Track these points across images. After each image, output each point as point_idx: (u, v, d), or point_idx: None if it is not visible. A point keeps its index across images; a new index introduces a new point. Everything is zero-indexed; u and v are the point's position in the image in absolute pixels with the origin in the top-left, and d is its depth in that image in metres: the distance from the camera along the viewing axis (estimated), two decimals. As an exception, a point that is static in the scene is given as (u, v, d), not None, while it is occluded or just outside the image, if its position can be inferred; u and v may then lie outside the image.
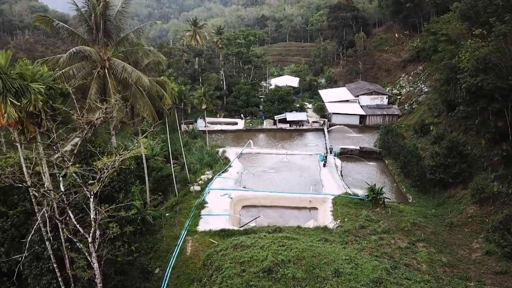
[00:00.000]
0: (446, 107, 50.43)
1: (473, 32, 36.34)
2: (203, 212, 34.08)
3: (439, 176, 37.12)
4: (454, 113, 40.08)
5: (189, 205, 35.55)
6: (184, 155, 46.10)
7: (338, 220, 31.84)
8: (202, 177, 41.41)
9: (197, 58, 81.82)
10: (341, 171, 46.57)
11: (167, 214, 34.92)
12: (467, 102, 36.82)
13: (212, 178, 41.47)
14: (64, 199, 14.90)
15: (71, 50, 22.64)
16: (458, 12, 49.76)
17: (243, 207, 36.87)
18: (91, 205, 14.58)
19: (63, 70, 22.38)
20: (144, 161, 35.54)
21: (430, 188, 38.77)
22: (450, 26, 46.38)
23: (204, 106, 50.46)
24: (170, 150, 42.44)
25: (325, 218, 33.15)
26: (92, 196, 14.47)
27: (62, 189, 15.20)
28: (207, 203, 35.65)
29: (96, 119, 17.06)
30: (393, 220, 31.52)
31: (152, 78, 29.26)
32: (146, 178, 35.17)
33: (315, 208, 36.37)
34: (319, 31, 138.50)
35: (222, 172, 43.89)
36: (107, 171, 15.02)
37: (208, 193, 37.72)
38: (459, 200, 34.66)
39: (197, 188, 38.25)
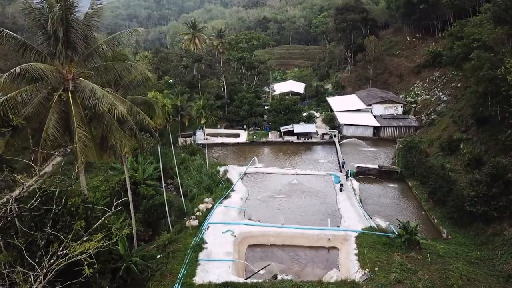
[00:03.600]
0: (476, 121, 44.77)
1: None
2: (201, 255, 28.21)
3: (481, 208, 31.28)
4: (505, 137, 34.32)
5: (184, 245, 29.66)
6: (179, 179, 40.29)
7: (367, 270, 25.95)
8: (201, 206, 35.53)
9: (196, 64, 76.05)
10: (359, 195, 40.77)
11: (158, 256, 29.06)
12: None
13: (212, 208, 35.61)
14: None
15: (14, 69, 16.71)
16: (489, 14, 44.16)
17: (249, 246, 30.98)
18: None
19: (7, 96, 16.63)
20: (129, 188, 29.58)
21: (469, 222, 32.91)
22: (483, 31, 40.56)
23: (203, 121, 44.66)
24: (162, 175, 36.53)
25: (350, 264, 27.27)
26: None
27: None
28: (206, 243, 29.75)
29: (18, 195, 11.26)
30: (434, 270, 25.65)
31: (137, 97, 23.52)
32: (132, 212, 29.18)
33: (335, 248, 30.49)
34: (324, 34, 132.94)
35: (224, 198, 38.05)
36: None
37: (207, 228, 31.86)
38: (510, 241, 28.79)
39: (194, 222, 32.37)
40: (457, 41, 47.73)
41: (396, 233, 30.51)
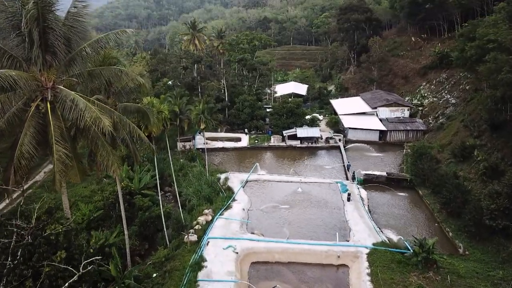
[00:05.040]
0: (489, 127, 42.51)
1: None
2: (200, 275, 26.00)
3: (502, 223, 29.05)
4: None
5: (182, 263, 27.45)
6: (178, 187, 38.12)
7: (382, 293, 23.77)
8: (200, 219, 33.32)
9: (195, 65, 73.84)
10: (368, 205, 38.58)
11: (154, 275, 26.85)
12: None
13: (212, 220, 33.39)
14: None
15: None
16: (504, 14, 42.00)
17: (252, 264, 28.72)
18: None
19: (-26, 108, 14.47)
20: (121, 202, 27.30)
21: (488, 237, 30.67)
22: (499, 31, 38.35)
23: (203, 126, 42.49)
24: (159, 183, 34.29)
25: (362, 286, 25.05)
26: None
27: None
28: (205, 260, 27.54)
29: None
30: (456, 293, 23.48)
31: (129, 104, 21.31)
32: (125, 227, 26.86)
33: (345, 266, 28.26)
34: (326, 34, 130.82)
35: (224, 209, 35.84)
36: None
37: (207, 244, 29.64)
38: (535, 259, 26.60)
39: (193, 237, 30.14)
40: (469, 42, 45.47)
41: (411, 249, 28.39)
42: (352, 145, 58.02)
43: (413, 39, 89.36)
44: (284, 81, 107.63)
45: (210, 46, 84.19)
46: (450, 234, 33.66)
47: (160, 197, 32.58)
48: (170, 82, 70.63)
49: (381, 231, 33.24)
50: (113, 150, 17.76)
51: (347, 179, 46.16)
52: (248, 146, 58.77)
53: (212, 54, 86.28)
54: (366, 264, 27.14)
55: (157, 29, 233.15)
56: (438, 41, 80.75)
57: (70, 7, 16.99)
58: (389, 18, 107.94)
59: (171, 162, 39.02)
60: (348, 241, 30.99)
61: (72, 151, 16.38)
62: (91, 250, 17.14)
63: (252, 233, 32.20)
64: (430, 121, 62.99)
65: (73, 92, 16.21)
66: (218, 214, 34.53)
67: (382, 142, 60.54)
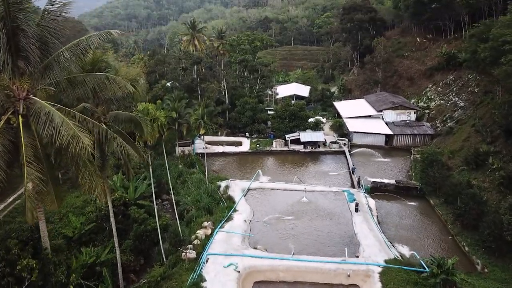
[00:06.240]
0: (504, 132, 40.36)
1: None
2: (199, 298, 23.90)
3: (525, 239, 26.94)
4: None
5: (179, 283, 25.29)
6: (176, 196, 35.99)
7: (398, 320, 21.64)
8: (199, 232, 31.15)
9: (195, 66, 71.66)
10: (377, 216, 36.47)
11: (149, 296, 24.76)
12: None
13: (211, 234, 31.25)
14: None
15: None
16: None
17: (255, 283, 26.59)
18: None
19: None
20: (112, 218, 25.10)
21: (509, 253, 28.54)
22: (516, 32, 36.21)
23: (202, 131, 40.38)
24: (155, 193, 32.15)
25: (376, 310, 22.94)
26: None
27: None
28: (204, 280, 25.39)
29: None
30: (480, 321, 21.35)
31: (121, 113, 19.20)
32: (116, 244, 24.62)
33: (356, 286, 26.14)
34: (328, 34, 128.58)
35: (225, 221, 33.70)
36: None
37: (207, 261, 27.50)
38: None
39: (191, 254, 27.97)
40: (481, 43, 43.30)
41: (425, 266, 26.35)
42: (358, 150, 55.84)
43: (418, 39, 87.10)
44: (285, 82, 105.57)
45: (210, 47, 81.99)
46: (466, 248, 31.52)
47: (156, 209, 30.36)
48: (168, 84, 68.43)
49: (393, 245, 31.17)
50: (97, 171, 15.57)
51: (353, 186, 44.13)
52: (250, 151, 56.68)
53: (212, 55, 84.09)
54: (379, 285, 25.02)
55: (156, 29, 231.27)
56: (444, 42, 78.54)
57: (46, 5, 14.80)
58: (391, 18, 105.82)
59: (167, 170, 36.88)
60: (357, 257, 28.90)
61: (49, 173, 14.27)
62: (71, 287, 15.05)
63: (255, 248, 30.06)
64: (438, 124, 60.83)
65: (48, 104, 14.01)
66: (218, 226, 32.39)
67: (389, 146, 58.37)
